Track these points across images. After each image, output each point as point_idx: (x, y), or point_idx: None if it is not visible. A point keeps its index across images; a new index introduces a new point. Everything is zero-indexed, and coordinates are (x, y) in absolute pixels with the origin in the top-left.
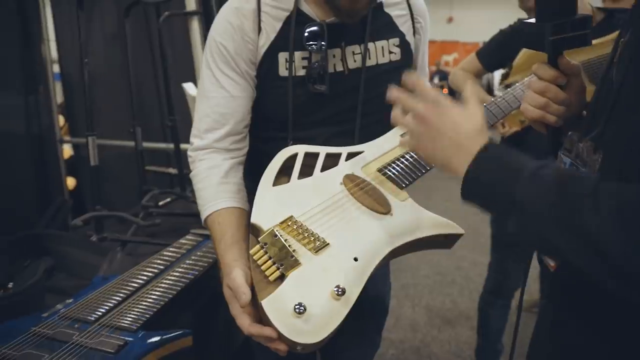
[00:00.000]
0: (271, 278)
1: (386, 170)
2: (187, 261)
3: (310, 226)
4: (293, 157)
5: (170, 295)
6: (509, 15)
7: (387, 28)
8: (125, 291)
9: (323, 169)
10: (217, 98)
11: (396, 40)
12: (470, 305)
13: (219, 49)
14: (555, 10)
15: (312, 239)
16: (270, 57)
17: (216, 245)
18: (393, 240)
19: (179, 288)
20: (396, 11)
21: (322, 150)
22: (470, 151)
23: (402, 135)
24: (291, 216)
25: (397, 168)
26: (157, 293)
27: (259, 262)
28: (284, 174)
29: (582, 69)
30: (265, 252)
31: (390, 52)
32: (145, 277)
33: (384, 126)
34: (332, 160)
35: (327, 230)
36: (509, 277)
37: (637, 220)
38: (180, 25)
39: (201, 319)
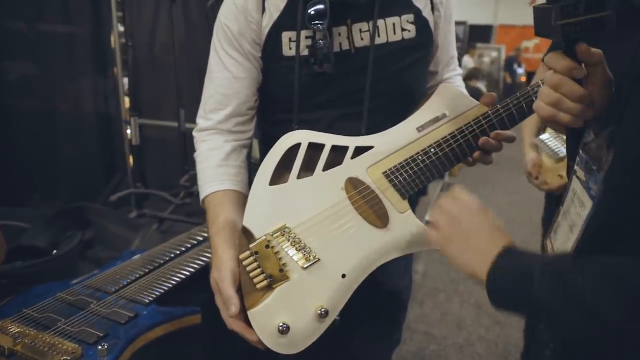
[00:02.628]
0: (258, 286)
1: (392, 177)
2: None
3: (304, 239)
4: (295, 148)
5: (188, 273)
6: None
7: (399, 3)
8: (149, 266)
9: (326, 166)
10: (221, 79)
11: (410, 17)
12: None
13: (224, 30)
14: None
15: (304, 252)
16: (274, 36)
17: (209, 226)
18: (383, 256)
19: (197, 267)
20: None
21: (328, 142)
22: (489, 257)
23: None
24: (285, 225)
25: (404, 175)
26: (177, 270)
27: (248, 268)
28: (284, 167)
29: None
30: (255, 260)
31: (403, 30)
32: (170, 255)
33: (395, 110)
34: (337, 156)
35: (319, 244)
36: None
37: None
38: None
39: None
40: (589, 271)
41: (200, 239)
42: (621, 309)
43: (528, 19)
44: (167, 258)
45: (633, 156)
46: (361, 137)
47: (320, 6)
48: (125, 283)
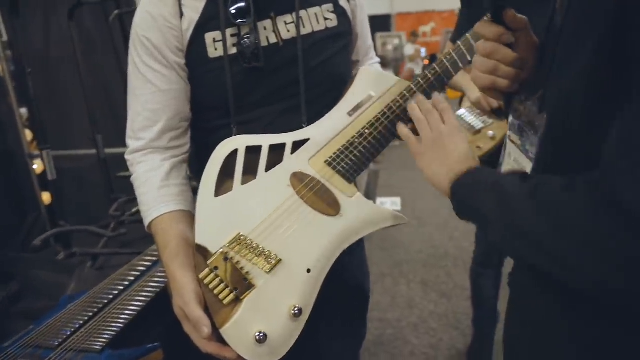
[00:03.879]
0: (226, 302)
1: (335, 164)
2: (161, 268)
3: (261, 243)
4: (233, 155)
5: (140, 308)
6: None
7: None
8: (93, 309)
9: (268, 166)
10: (146, 94)
11: (330, 6)
12: (465, 276)
13: (142, 42)
14: None
15: (264, 257)
16: (196, 40)
17: (160, 252)
18: (343, 242)
19: (149, 299)
20: None
21: (265, 142)
22: (457, 173)
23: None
24: (239, 234)
25: (346, 160)
26: (126, 307)
27: (211, 286)
28: (226, 176)
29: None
30: (217, 276)
31: (326, 19)
32: (114, 291)
33: (331, 99)
34: (276, 154)
35: (278, 245)
36: (494, 246)
37: (572, 221)
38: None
39: (172, 330)
40: (524, 189)
41: (144, 269)
42: (544, 229)
43: (422, 5)
44: (112, 296)
45: (562, 114)
46: (296, 131)
47: (242, 3)
48: (69, 333)
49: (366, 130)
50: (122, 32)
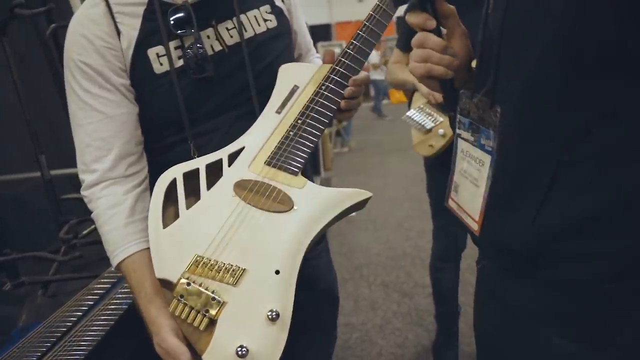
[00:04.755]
0: (201, 327)
1: (275, 162)
2: (120, 290)
3: (220, 258)
4: (173, 185)
5: (102, 334)
6: None
7: None
8: (50, 340)
9: (209, 185)
10: (93, 123)
11: (267, 8)
12: (424, 273)
13: (80, 68)
14: None
15: (227, 271)
16: (139, 57)
17: (135, 295)
18: (306, 233)
19: (112, 323)
20: None
21: (201, 164)
22: None
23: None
24: (196, 256)
25: (285, 154)
26: (86, 335)
27: (182, 316)
28: (170, 206)
29: None
30: (185, 304)
31: (265, 20)
32: (71, 319)
33: None
34: (215, 172)
35: (238, 255)
36: (453, 240)
37: None
38: None
39: (140, 353)
40: None
41: (102, 291)
42: None
43: (360, 14)
44: (69, 324)
45: (519, 108)
46: (229, 145)
47: (181, 14)
48: None
49: (299, 121)
50: (57, 47)
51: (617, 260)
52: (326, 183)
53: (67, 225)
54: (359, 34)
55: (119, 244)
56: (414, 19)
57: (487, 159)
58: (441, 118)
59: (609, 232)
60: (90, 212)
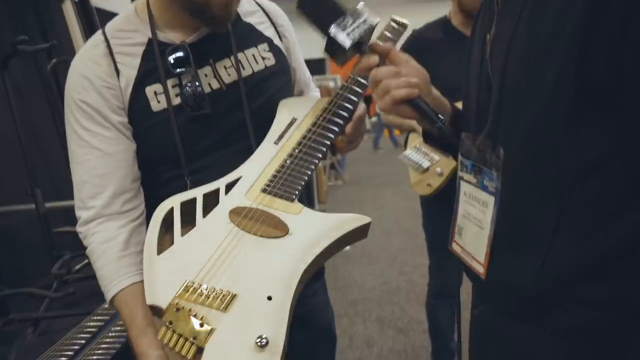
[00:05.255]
0: (189, 356)
1: (271, 189)
2: (114, 328)
3: (210, 283)
4: (170, 214)
5: None
6: (410, 21)
7: (252, 36)
8: None
9: (205, 213)
10: (91, 160)
11: (265, 46)
12: (419, 309)
13: (79, 106)
14: (332, 14)
15: (217, 296)
16: (137, 96)
17: (127, 329)
18: (301, 259)
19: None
20: (255, 19)
21: (198, 193)
22: None
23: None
24: (187, 281)
25: (282, 182)
26: None
27: (171, 344)
28: (166, 234)
29: None
30: (174, 332)
31: (264, 58)
32: (63, 358)
33: None
34: (212, 200)
35: (229, 281)
36: (450, 277)
37: None
38: None
39: None
40: None
41: (95, 329)
42: None
43: None
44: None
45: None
46: (227, 175)
47: (180, 53)
48: None
49: (296, 150)
50: (56, 82)
51: (627, 306)
52: None
53: (60, 260)
54: (349, 78)
55: (112, 278)
56: (357, 68)
57: (490, 200)
58: (437, 157)
59: (618, 277)
60: (85, 248)
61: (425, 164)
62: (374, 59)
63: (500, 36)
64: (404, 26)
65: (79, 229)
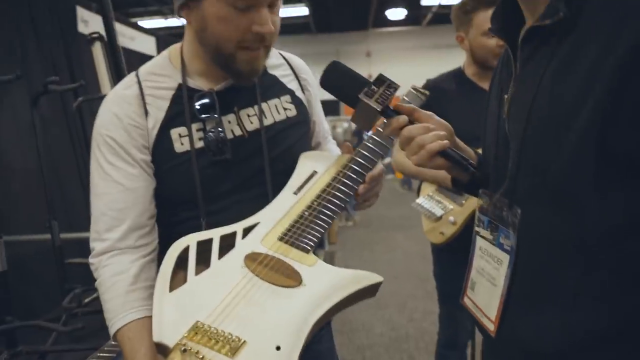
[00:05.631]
0: None
1: (287, 237)
2: None
3: (220, 327)
4: (185, 252)
5: None
6: (424, 67)
7: (275, 87)
8: None
9: (220, 254)
10: (111, 194)
11: (287, 97)
12: (428, 358)
13: (106, 142)
14: (356, 85)
15: (226, 341)
16: (162, 136)
17: None
18: (312, 311)
19: None
20: (279, 72)
21: (215, 234)
22: None
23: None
24: (197, 322)
25: (299, 232)
26: None
27: None
28: (180, 271)
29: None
30: None
31: (285, 109)
32: None
33: None
34: (228, 242)
35: (240, 326)
36: (460, 328)
37: None
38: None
39: None
40: None
41: None
42: None
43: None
44: None
45: (541, 213)
46: (245, 220)
47: (207, 100)
48: None
49: (315, 203)
50: (80, 118)
51: None
52: (330, 256)
53: (71, 293)
54: (378, 129)
55: (117, 311)
56: (388, 129)
57: (505, 258)
58: (451, 206)
59: None
60: (95, 281)
61: (439, 212)
62: (403, 118)
63: (519, 97)
64: (424, 94)
65: (91, 259)
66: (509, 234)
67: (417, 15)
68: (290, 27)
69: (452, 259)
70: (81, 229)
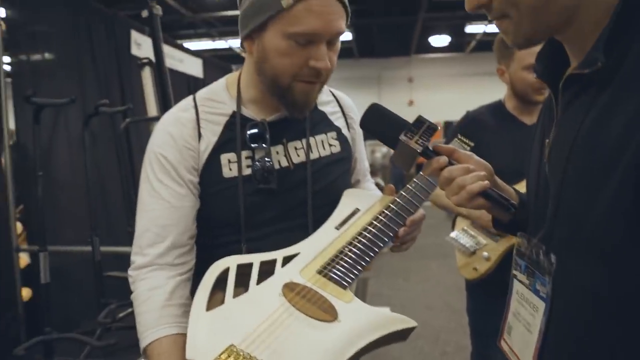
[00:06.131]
0: None
1: (326, 272)
2: None
3: (253, 353)
4: (225, 273)
5: None
6: (465, 94)
7: (323, 123)
8: None
9: (259, 280)
10: (157, 210)
11: (334, 134)
12: None
13: (159, 160)
14: (396, 127)
15: None
16: (212, 160)
17: None
18: (345, 349)
19: None
20: (329, 108)
21: (256, 259)
22: None
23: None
24: (231, 345)
25: (337, 266)
26: None
27: None
28: (218, 291)
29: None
30: None
31: (331, 145)
32: None
33: None
34: (268, 269)
35: (273, 355)
36: None
37: None
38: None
39: None
40: None
41: None
42: None
43: (409, 117)
44: None
45: (576, 262)
46: (286, 248)
47: (258, 130)
48: None
49: (355, 240)
50: (127, 139)
51: None
52: (363, 283)
53: (106, 308)
54: (421, 174)
55: (150, 325)
56: (428, 169)
57: (541, 306)
58: (485, 241)
59: None
60: (131, 294)
61: (472, 247)
62: (443, 159)
63: (559, 143)
64: (469, 145)
65: (130, 272)
66: (544, 281)
67: (460, 42)
68: None
69: (486, 296)
70: (122, 243)
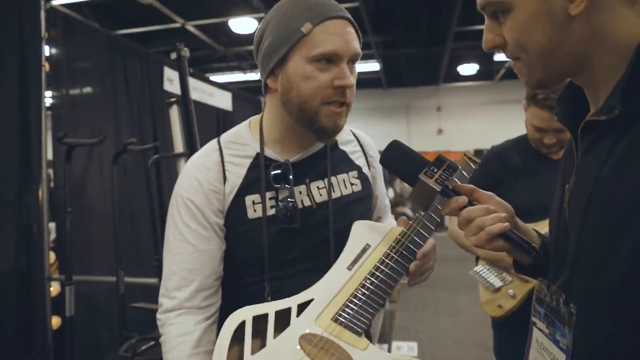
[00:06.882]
0: None
1: (341, 319)
2: None
3: None
4: (241, 327)
5: None
6: (495, 122)
7: (344, 163)
8: None
9: (276, 333)
10: (184, 254)
11: (355, 173)
12: None
13: (186, 204)
14: (416, 165)
15: None
16: (237, 202)
17: None
18: None
19: None
20: (349, 148)
21: (270, 309)
22: None
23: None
24: None
25: (352, 313)
26: None
27: None
28: (236, 347)
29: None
30: None
31: (352, 184)
32: None
33: None
34: (283, 319)
35: None
36: None
37: None
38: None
39: None
40: None
41: None
42: None
43: (438, 146)
44: None
45: (596, 314)
46: (300, 293)
47: (281, 171)
48: None
49: (367, 281)
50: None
51: None
52: (390, 316)
53: (127, 342)
54: (425, 211)
55: None
56: (447, 209)
57: (562, 357)
58: (510, 277)
59: None
60: (154, 331)
61: (497, 283)
62: (463, 199)
63: (578, 189)
64: (475, 163)
65: (159, 315)
66: (564, 332)
67: (489, 70)
68: (362, 81)
69: (512, 335)
70: (149, 275)
